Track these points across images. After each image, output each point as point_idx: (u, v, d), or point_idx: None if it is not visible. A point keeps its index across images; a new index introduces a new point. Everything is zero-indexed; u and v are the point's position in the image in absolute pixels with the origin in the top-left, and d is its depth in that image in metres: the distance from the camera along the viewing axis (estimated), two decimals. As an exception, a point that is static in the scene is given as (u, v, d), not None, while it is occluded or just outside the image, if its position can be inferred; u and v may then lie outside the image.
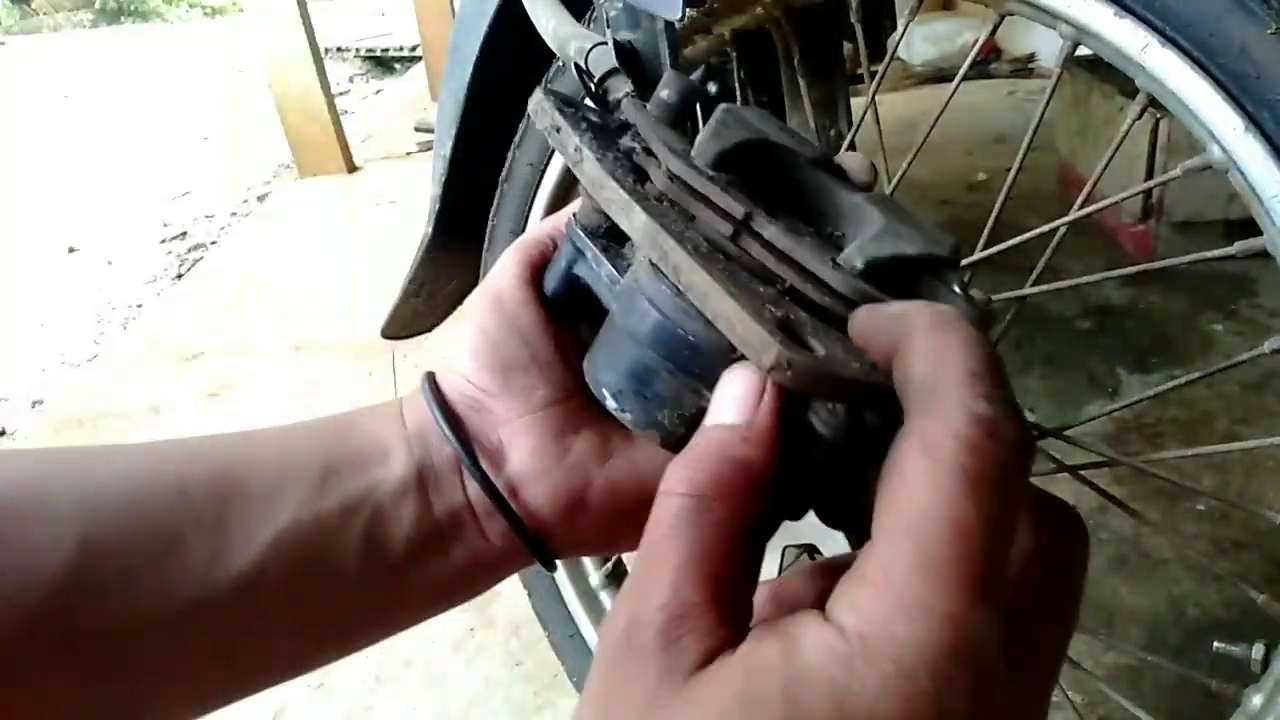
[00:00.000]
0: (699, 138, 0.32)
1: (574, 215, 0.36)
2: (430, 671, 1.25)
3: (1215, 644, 0.67)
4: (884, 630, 0.20)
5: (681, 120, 0.36)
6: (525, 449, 0.37)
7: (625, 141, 0.34)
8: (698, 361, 0.29)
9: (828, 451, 0.27)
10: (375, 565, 0.35)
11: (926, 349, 0.24)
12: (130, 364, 2.28)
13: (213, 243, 3.22)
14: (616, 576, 0.97)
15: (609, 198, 0.30)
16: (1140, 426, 1.52)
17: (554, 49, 0.43)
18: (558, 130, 0.33)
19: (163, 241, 3.31)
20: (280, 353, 2.20)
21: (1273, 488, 1.37)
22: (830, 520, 0.30)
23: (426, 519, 0.36)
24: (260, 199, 3.60)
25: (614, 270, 0.34)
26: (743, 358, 0.27)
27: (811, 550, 0.76)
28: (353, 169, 3.59)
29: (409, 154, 3.76)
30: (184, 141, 4.72)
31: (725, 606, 0.23)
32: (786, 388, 0.26)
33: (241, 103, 5.25)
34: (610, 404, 0.32)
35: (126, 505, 0.32)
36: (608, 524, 0.38)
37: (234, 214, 3.51)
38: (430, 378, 0.39)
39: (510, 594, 1.33)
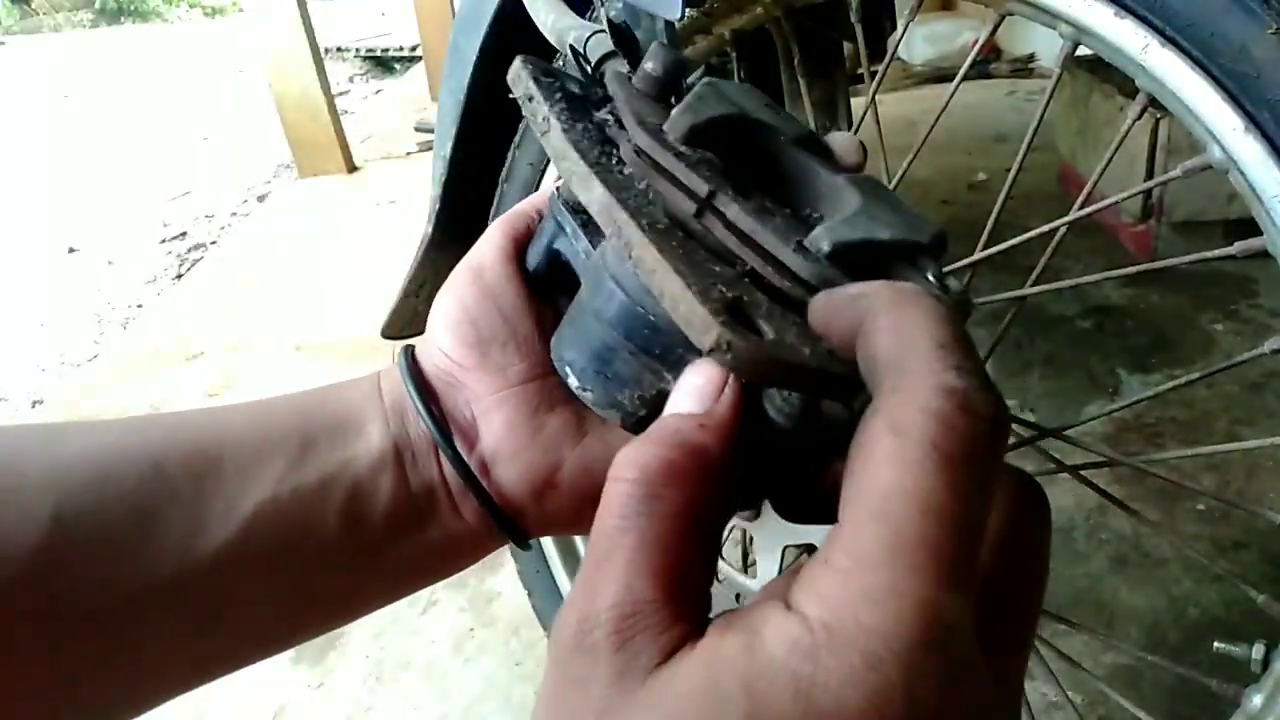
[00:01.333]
0: (674, 112, 0.31)
1: (557, 189, 0.36)
2: (430, 671, 1.25)
3: (1215, 644, 0.67)
4: (849, 619, 0.19)
5: (667, 94, 0.34)
6: (499, 425, 0.36)
7: (601, 114, 0.34)
8: (658, 342, 0.28)
9: (781, 440, 0.27)
10: (353, 539, 0.35)
11: (889, 324, 0.23)
12: (130, 364, 2.28)
13: (213, 243, 3.22)
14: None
15: (570, 169, 0.29)
16: (1140, 426, 1.52)
17: (553, 42, 0.43)
18: (530, 99, 0.32)
19: (163, 241, 3.31)
20: (280, 353, 2.20)
21: (1273, 488, 1.37)
22: (786, 513, 0.29)
23: (403, 494, 0.36)
24: (260, 199, 3.60)
25: (590, 246, 0.33)
26: None
27: (811, 550, 0.76)
28: (353, 169, 3.59)
29: (409, 154, 3.76)
30: (184, 141, 4.72)
31: (680, 601, 0.22)
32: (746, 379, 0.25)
33: (241, 103, 5.25)
34: (572, 382, 0.31)
35: (100, 481, 0.32)
36: (579, 504, 0.37)
37: (234, 214, 3.51)
38: (409, 351, 0.38)
39: (510, 594, 1.33)
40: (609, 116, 0.33)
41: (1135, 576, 1.25)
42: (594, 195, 0.28)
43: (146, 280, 2.98)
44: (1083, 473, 0.73)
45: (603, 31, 0.40)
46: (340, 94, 4.83)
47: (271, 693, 1.24)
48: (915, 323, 0.22)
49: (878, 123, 0.75)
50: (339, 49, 6.26)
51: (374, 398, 0.37)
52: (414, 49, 5.55)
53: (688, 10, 0.76)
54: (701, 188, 0.28)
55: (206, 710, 1.22)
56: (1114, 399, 1.60)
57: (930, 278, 0.29)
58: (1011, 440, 0.73)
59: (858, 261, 0.28)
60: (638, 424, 0.30)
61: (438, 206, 0.92)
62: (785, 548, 0.75)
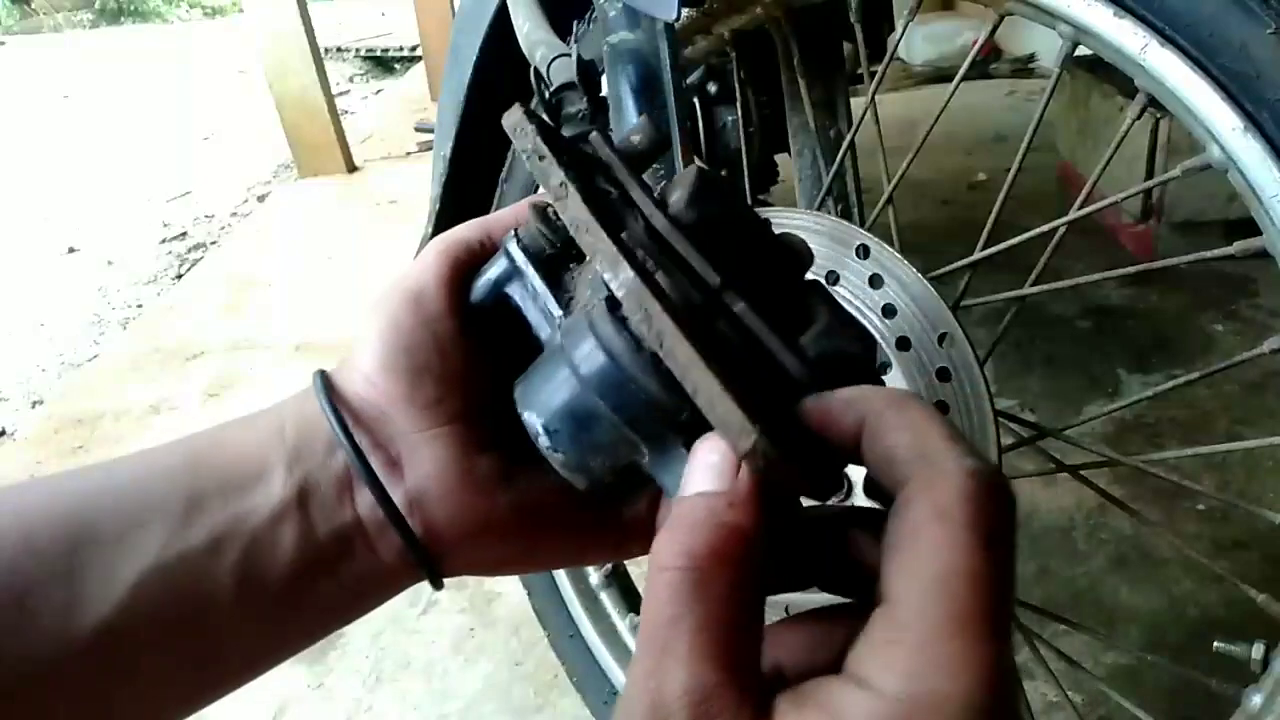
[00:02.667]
0: (676, 197, 0.32)
1: (516, 233, 0.35)
2: (430, 671, 1.25)
3: (1215, 644, 0.67)
4: (926, 688, 0.21)
5: (646, 166, 0.35)
6: (427, 466, 0.34)
7: (600, 182, 0.33)
8: (646, 418, 0.29)
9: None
10: (254, 596, 0.33)
11: (900, 423, 0.26)
12: (130, 364, 2.28)
13: (213, 243, 3.22)
14: (617, 576, 0.97)
15: (595, 245, 0.29)
16: (1140, 426, 1.52)
17: (524, 50, 0.43)
18: (541, 158, 0.32)
19: (163, 241, 3.31)
20: (280, 353, 2.20)
21: (1273, 488, 1.37)
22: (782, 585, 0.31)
23: (309, 542, 0.34)
24: (260, 199, 3.60)
25: (556, 304, 0.33)
26: (690, 422, 0.28)
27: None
28: (353, 169, 3.59)
29: (409, 154, 3.76)
30: (184, 141, 4.72)
31: (742, 678, 0.23)
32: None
33: (241, 103, 5.25)
34: (542, 441, 0.31)
35: None
36: (504, 548, 0.37)
37: (234, 214, 3.51)
38: (323, 377, 0.36)
39: (510, 594, 1.33)
40: (609, 188, 0.33)
41: (1135, 576, 1.25)
42: (623, 278, 0.28)
43: (146, 280, 2.98)
44: (1083, 473, 0.73)
45: (567, 56, 0.40)
46: (340, 94, 4.83)
47: (271, 693, 1.24)
48: (921, 420, 0.26)
49: (877, 123, 0.75)
50: (339, 49, 6.26)
51: (273, 440, 0.35)
52: (414, 49, 5.55)
53: (687, 10, 0.76)
54: (714, 278, 0.30)
55: (206, 711, 1.22)
56: (1114, 399, 1.60)
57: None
58: (1011, 440, 0.73)
59: (830, 368, 0.30)
60: (600, 490, 0.31)
61: (438, 206, 0.92)
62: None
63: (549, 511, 0.36)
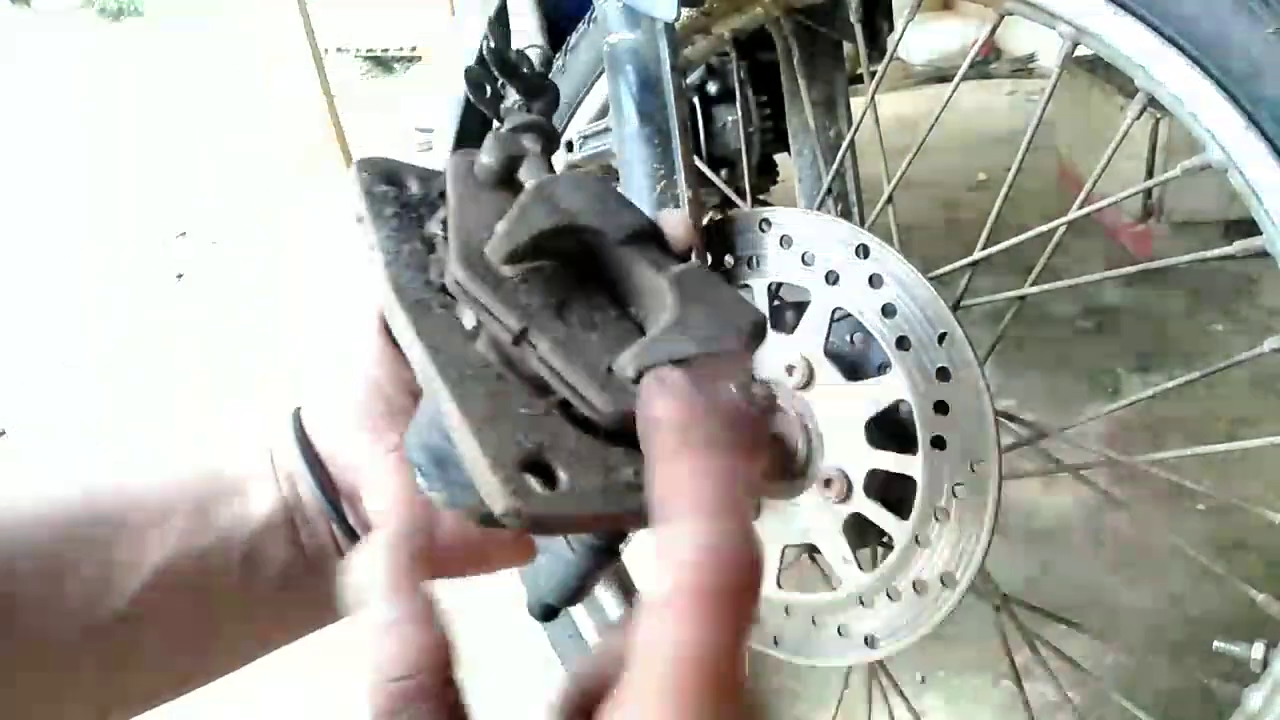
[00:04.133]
0: (498, 228, 0.31)
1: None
2: (430, 671, 1.25)
3: (1215, 644, 0.67)
4: None
5: (509, 180, 0.35)
6: (389, 490, 0.38)
7: (432, 225, 0.34)
8: None
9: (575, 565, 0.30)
10: (255, 589, 0.38)
11: (662, 477, 0.24)
12: (130, 364, 2.28)
13: (213, 243, 3.22)
14: (616, 576, 0.97)
15: (389, 312, 0.30)
16: (1140, 426, 1.52)
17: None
18: (359, 220, 0.33)
19: (163, 242, 3.31)
20: (280, 354, 2.20)
21: (1273, 488, 1.37)
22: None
23: (296, 552, 0.39)
24: (261, 200, 3.60)
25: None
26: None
27: (811, 550, 0.76)
28: (353, 169, 3.59)
29: (409, 154, 3.76)
30: (186, 142, 4.72)
31: None
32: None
33: (242, 102, 5.25)
34: (421, 482, 0.31)
35: (10, 539, 0.34)
36: (457, 558, 0.40)
37: (235, 214, 3.51)
38: (298, 421, 0.40)
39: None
40: (439, 230, 0.33)
41: (1135, 576, 1.25)
42: (410, 348, 0.29)
43: (146, 280, 2.98)
44: (1083, 473, 0.73)
45: (538, 47, 0.40)
46: (340, 94, 4.82)
47: (271, 693, 1.24)
48: (680, 481, 0.24)
49: (877, 123, 0.75)
50: (339, 49, 6.25)
51: (264, 465, 0.40)
52: (414, 49, 5.55)
53: (687, 10, 0.76)
54: (514, 325, 0.29)
55: (206, 711, 1.22)
56: (1114, 399, 1.60)
57: (734, 387, 0.28)
58: (1011, 440, 0.73)
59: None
60: (487, 521, 0.31)
61: (437, 206, 0.92)
62: (785, 547, 0.75)
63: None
